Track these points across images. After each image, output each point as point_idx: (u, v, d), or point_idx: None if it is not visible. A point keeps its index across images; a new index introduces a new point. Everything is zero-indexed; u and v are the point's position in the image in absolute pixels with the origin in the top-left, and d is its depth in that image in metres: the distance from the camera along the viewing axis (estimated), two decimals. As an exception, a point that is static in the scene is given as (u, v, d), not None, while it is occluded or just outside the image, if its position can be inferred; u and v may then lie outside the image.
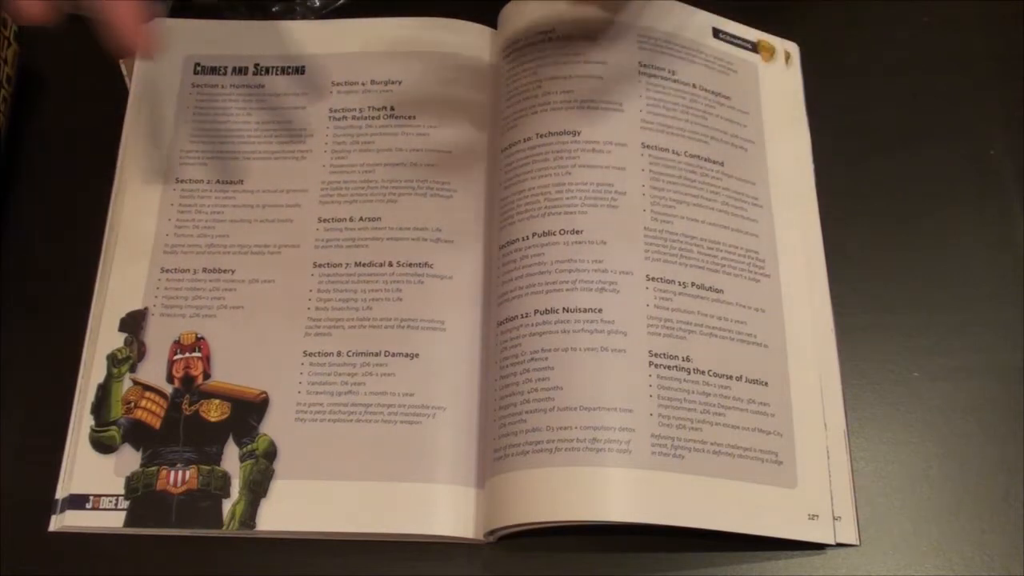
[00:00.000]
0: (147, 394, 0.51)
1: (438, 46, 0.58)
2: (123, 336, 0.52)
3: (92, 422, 0.50)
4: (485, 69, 0.58)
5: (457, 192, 0.55)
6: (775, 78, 0.59)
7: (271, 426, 0.50)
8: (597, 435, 0.46)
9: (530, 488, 0.46)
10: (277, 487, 0.49)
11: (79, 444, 0.50)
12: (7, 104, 0.58)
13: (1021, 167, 0.57)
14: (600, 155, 0.53)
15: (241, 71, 0.59)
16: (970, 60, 0.61)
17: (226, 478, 0.49)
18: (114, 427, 0.50)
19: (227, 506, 0.48)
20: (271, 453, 0.49)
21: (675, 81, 0.56)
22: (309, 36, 0.59)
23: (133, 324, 0.52)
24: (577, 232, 0.51)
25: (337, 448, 0.49)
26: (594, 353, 0.48)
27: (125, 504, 0.48)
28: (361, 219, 0.54)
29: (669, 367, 0.48)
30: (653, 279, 0.50)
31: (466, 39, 0.59)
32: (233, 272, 0.53)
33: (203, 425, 0.50)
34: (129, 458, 0.49)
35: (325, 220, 0.54)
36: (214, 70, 0.59)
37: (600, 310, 0.49)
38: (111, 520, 0.48)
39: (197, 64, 0.59)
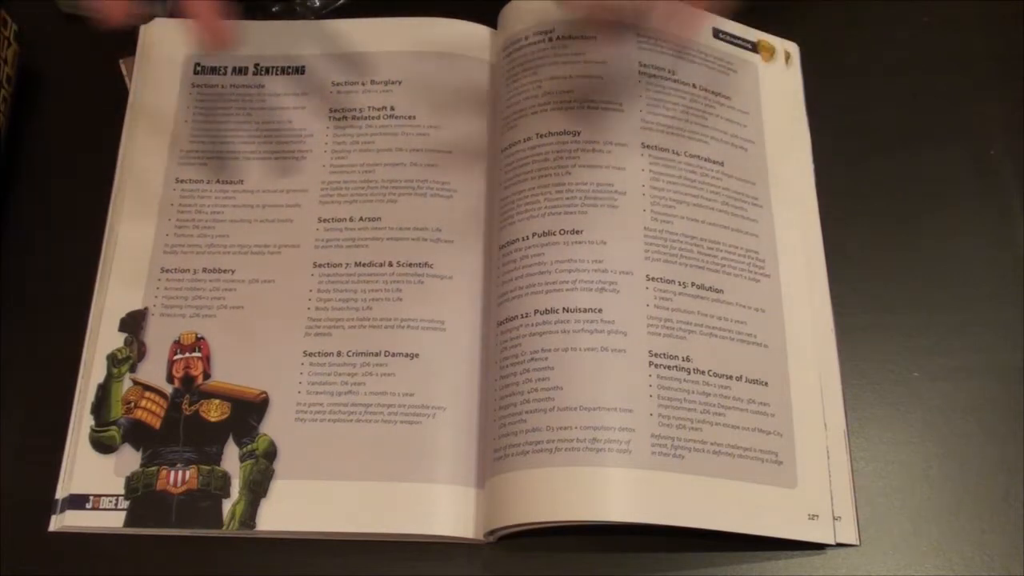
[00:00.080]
0: (147, 394, 0.51)
1: (438, 46, 0.58)
2: (123, 336, 0.52)
3: (92, 422, 0.50)
4: (485, 69, 0.58)
5: (457, 192, 0.55)
6: (775, 78, 0.59)
7: (271, 426, 0.50)
8: (597, 435, 0.46)
9: (530, 488, 0.46)
10: (277, 487, 0.48)
11: (79, 444, 0.50)
12: (7, 104, 0.58)
13: (1021, 167, 0.57)
14: (600, 155, 0.53)
15: (241, 71, 0.59)
16: (970, 60, 0.61)
17: (226, 478, 0.49)
18: (114, 427, 0.50)
19: (227, 506, 0.48)
20: (271, 453, 0.49)
21: (675, 81, 0.56)
22: (309, 36, 0.59)
23: (133, 324, 0.52)
24: (577, 232, 0.50)
25: (337, 448, 0.49)
26: (594, 353, 0.48)
27: (125, 504, 0.48)
28: (361, 219, 0.54)
29: (669, 367, 0.48)
30: (653, 279, 0.50)
31: (466, 39, 0.59)
32: (233, 272, 0.53)
33: (203, 425, 0.50)
34: (129, 458, 0.49)
35: (325, 220, 0.54)
36: (214, 70, 0.59)
37: (600, 310, 0.49)
38: (111, 520, 0.48)
39: (197, 64, 0.59)
